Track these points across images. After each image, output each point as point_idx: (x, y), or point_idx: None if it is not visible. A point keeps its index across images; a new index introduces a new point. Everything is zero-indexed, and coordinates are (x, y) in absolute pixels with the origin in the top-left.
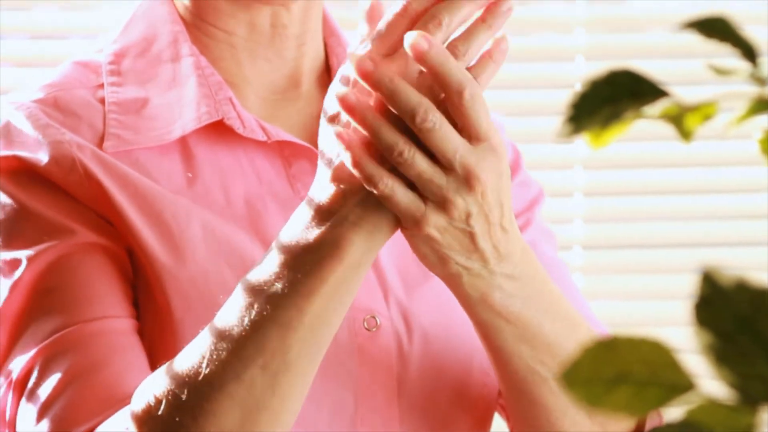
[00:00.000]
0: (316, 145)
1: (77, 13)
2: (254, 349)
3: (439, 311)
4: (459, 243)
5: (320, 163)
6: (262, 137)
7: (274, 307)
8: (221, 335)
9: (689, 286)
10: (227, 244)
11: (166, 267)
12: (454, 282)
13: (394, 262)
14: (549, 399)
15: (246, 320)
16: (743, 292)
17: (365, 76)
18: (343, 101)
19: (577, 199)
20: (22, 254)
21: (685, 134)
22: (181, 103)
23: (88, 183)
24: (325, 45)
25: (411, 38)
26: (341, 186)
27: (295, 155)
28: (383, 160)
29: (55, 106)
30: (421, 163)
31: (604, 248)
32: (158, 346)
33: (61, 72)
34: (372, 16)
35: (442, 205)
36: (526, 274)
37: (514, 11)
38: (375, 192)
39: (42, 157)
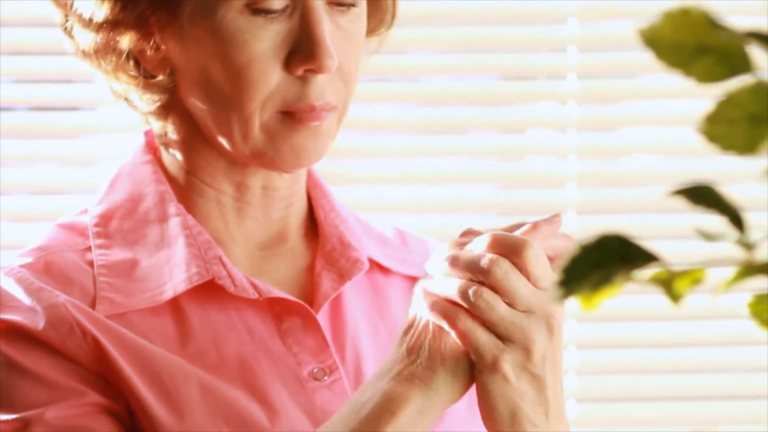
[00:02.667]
0: (306, 300)
1: (76, 169)
2: None
3: None
4: (529, 390)
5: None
6: (253, 295)
7: None
8: None
9: None
10: (224, 403)
11: (165, 428)
12: None
13: None
14: None
15: None
16: None
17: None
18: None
19: (571, 351)
20: (25, 416)
21: (675, 298)
22: (170, 263)
23: (87, 344)
24: (309, 197)
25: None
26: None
27: (286, 312)
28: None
29: (46, 271)
30: (501, 305)
31: (597, 401)
32: None
33: (47, 236)
34: None
35: (524, 345)
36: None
37: (505, 164)
38: (454, 332)
39: (38, 321)
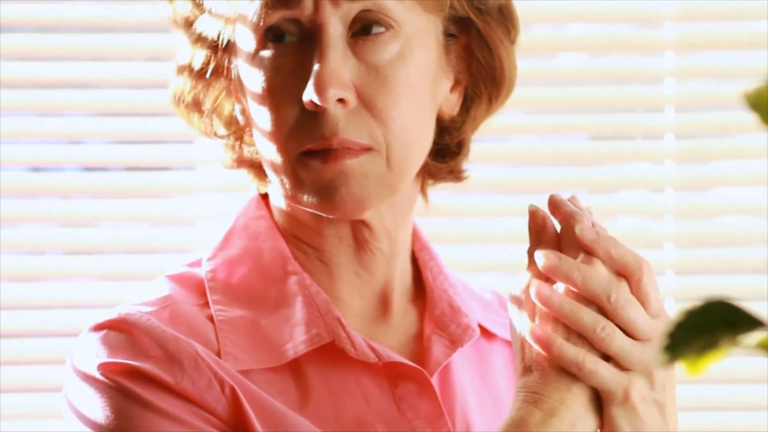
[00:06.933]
0: (419, 364)
1: (171, 229)
2: None
3: None
4: (654, 416)
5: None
6: (373, 359)
7: None
8: None
9: None
10: None
11: None
12: None
13: None
14: None
15: None
16: None
17: (545, 300)
18: (540, 296)
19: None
20: None
21: None
22: (290, 323)
23: (225, 398)
24: (415, 259)
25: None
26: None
27: (401, 376)
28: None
29: (172, 321)
30: (620, 336)
31: None
32: None
33: (164, 287)
34: (536, 223)
35: (647, 373)
36: None
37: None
38: (579, 372)
39: (176, 373)
